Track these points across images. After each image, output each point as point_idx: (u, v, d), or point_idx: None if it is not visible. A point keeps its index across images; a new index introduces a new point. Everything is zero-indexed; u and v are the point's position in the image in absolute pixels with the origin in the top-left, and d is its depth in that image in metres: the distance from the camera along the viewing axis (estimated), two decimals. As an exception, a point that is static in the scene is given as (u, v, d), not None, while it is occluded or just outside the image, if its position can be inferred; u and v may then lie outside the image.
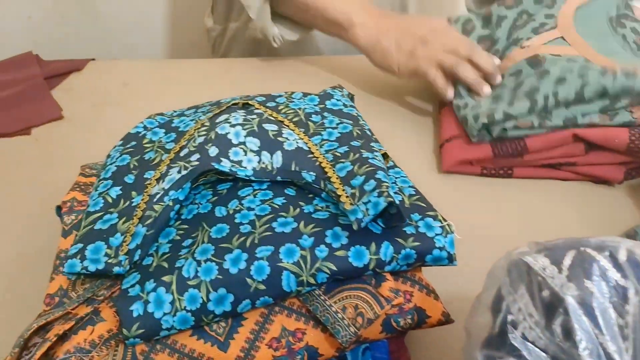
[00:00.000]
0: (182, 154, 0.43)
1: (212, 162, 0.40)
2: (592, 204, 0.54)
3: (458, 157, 0.55)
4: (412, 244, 0.36)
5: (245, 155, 0.42)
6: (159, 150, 0.45)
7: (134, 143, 0.46)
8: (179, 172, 0.40)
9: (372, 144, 0.42)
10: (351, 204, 0.36)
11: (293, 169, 0.41)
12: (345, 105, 0.49)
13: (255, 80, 0.75)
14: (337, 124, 0.45)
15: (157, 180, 0.41)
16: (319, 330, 0.36)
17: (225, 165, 0.41)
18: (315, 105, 0.49)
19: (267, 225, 0.37)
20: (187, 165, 0.41)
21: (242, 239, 0.36)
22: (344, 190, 0.37)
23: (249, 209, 0.39)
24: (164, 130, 0.47)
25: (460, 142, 0.56)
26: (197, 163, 0.40)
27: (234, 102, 0.49)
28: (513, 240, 0.51)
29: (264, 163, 0.42)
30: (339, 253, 0.35)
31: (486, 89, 0.59)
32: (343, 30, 0.69)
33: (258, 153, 0.42)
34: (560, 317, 0.26)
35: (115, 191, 0.41)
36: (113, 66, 0.79)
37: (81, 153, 0.61)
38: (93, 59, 0.79)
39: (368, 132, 0.44)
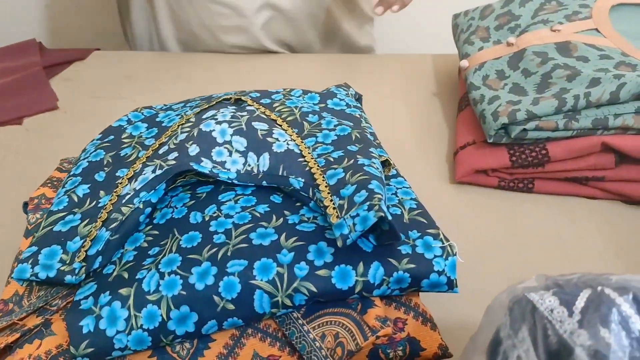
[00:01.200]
0: (160, 151, 0.39)
1: (191, 162, 0.36)
2: (622, 226, 0.48)
3: (472, 166, 0.50)
4: (407, 265, 0.31)
5: (230, 156, 0.38)
6: (137, 146, 0.41)
7: (111, 137, 0.42)
8: (154, 171, 0.36)
9: (371, 149, 0.37)
10: (338, 217, 0.31)
11: (280, 173, 0.37)
12: (348, 106, 0.44)
13: (264, 75, 0.71)
14: (335, 126, 0.40)
15: (130, 179, 0.37)
16: (295, 358, 0.31)
17: (206, 166, 0.37)
18: (315, 104, 0.44)
19: (244, 236, 0.33)
20: (163, 164, 0.37)
21: (214, 250, 0.32)
22: (331, 200, 0.33)
23: (227, 216, 0.35)
24: (146, 125, 0.43)
25: (475, 149, 0.51)
26: (173, 162, 0.36)
27: (225, 97, 0.45)
28: (530, 264, 0.46)
29: (249, 165, 0.38)
30: (321, 272, 0.31)
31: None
32: None
33: (244, 154, 0.38)
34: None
35: (82, 189, 0.37)
36: (117, 57, 0.76)
37: (73, 146, 0.58)
38: (98, 49, 0.76)
39: (369, 136, 0.39)
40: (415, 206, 0.36)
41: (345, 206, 0.31)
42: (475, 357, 0.25)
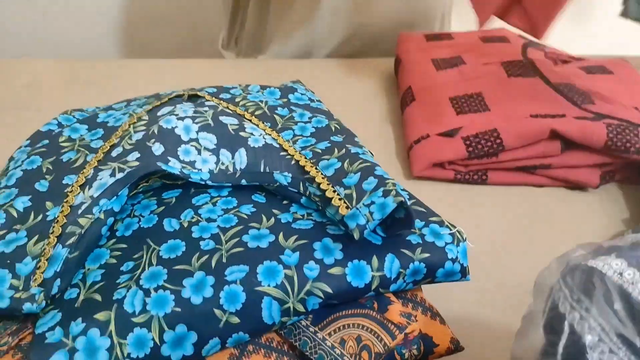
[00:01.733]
0: (114, 153, 0.33)
1: (158, 162, 0.31)
2: (568, 210, 0.50)
3: (430, 159, 0.50)
4: (421, 255, 0.29)
5: (199, 154, 0.34)
6: (82, 149, 0.35)
7: (46, 142, 0.36)
8: (112, 175, 0.31)
9: (356, 139, 0.35)
10: (347, 207, 0.28)
11: (262, 169, 0.33)
12: (311, 100, 0.42)
13: (188, 82, 0.66)
14: (310, 118, 0.37)
15: (82, 186, 0.31)
16: (306, 372, 0.28)
17: (175, 166, 0.32)
18: (277, 99, 0.41)
19: (236, 240, 0.29)
20: (123, 166, 0.31)
21: (205, 258, 0.27)
22: (335, 191, 0.30)
23: (209, 220, 0.30)
24: (86, 127, 0.37)
25: (430, 143, 0.50)
26: (137, 164, 0.31)
27: (177, 94, 0.40)
28: (487, 251, 0.46)
29: (223, 164, 0.33)
30: (334, 271, 0.28)
31: None
32: None
33: (215, 152, 0.34)
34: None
35: (22, 202, 0.31)
36: (15, 65, 0.66)
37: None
38: (-13, 57, 0.66)
39: (347, 128, 0.37)
40: (408, 196, 0.34)
41: (354, 195, 0.29)
42: (532, 334, 0.23)
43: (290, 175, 0.32)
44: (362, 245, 0.29)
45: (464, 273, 0.30)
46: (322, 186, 0.30)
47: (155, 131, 0.34)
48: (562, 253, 0.25)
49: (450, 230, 0.31)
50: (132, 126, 0.35)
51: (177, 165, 0.32)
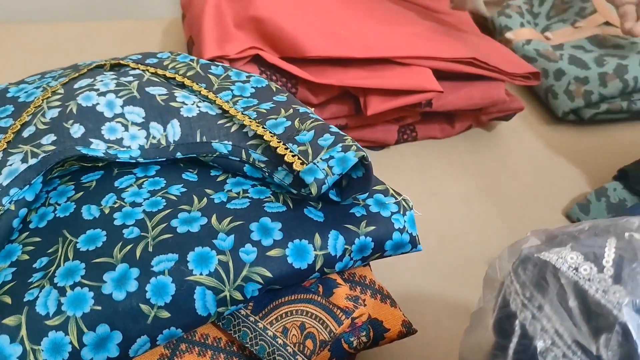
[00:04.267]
0: (25, 134, 0.30)
1: (77, 146, 0.28)
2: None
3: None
4: (367, 229, 0.27)
5: (127, 130, 0.30)
6: (-11, 131, 0.31)
7: (-53, 124, 0.32)
8: (24, 160, 0.27)
9: (297, 101, 0.32)
10: (303, 163, 0.26)
11: (199, 139, 0.30)
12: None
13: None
14: (248, 77, 0.34)
15: (-12, 174, 0.27)
16: (248, 366, 0.26)
17: (98, 148, 0.29)
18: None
19: (164, 225, 0.26)
20: (36, 150, 0.28)
21: (129, 248, 0.25)
22: (287, 148, 0.27)
23: (134, 204, 0.27)
24: (-5, 104, 0.33)
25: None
26: (52, 148, 0.28)
27: (97, 64, 0.36)
28: (446, 221, 0.44)
29: (154, 138, 0.30)
30: (273, 253, 0.25)
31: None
32: None
33: (144, 126, 0.31)
34: (612, 337, 0.18)
35: None
36: None
37: None
38: None
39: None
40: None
41: (310, 151, 0.26)
42: (481, 333, 0.21)
43: (230, 143, 0.29)
44: (302, 223, 0.26)
45: (414, 243, 0.29)
46: (272, 144, 0.28)
47: (74, 110, 0.30)
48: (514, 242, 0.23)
49: (396, 198, 0.29)
50: (45, 101, 0.32)
51: (102, 147, 0.29)
